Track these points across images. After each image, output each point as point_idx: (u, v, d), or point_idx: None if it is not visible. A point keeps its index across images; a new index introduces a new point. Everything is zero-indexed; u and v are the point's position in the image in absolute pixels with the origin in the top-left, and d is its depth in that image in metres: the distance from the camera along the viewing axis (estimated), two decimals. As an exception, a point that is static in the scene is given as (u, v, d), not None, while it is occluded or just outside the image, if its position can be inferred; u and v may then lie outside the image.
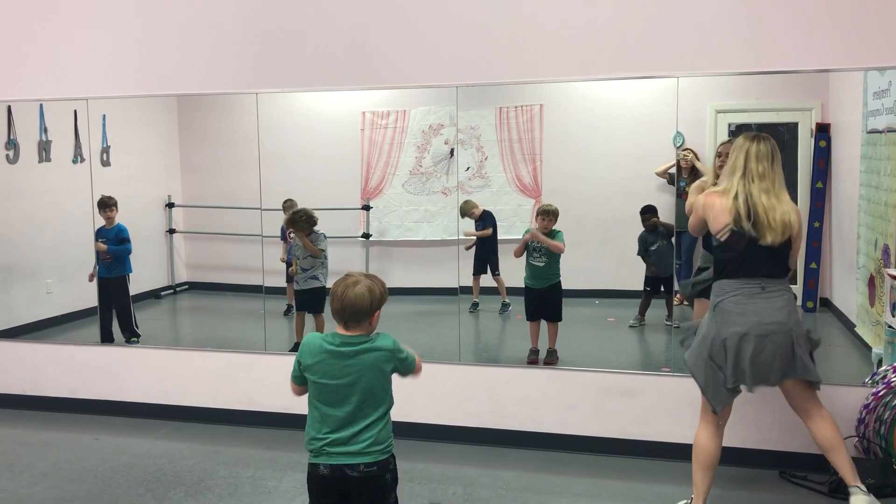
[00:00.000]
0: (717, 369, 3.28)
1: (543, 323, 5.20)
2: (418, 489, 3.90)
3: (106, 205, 5.61)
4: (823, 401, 3.86)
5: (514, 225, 6.37)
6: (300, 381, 2.63)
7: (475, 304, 6.31)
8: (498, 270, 6.20)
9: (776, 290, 3.27)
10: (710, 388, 3.32)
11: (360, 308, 2.51)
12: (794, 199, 6.01)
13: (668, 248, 5.67)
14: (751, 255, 3.25)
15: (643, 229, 5.79)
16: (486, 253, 6.17)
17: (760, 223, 3.22)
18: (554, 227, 5.22)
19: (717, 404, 3.31)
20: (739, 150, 3.33)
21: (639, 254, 5.78)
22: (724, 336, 3.24)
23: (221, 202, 6.89)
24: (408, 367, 2.69)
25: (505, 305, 6.27)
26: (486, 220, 6.17)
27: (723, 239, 3.28)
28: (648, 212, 5.80)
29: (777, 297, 3.26)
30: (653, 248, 5.74)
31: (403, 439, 4.47)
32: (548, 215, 5.22)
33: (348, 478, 2.54)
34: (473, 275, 6.21)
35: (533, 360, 5.09)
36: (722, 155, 3.74)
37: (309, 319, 5.61)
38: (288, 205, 6.03)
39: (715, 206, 3.28)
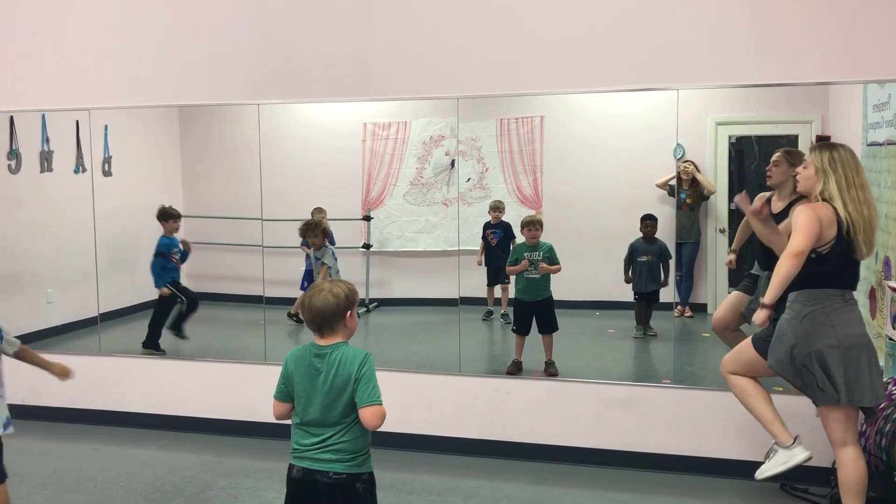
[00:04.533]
0: (810, 375, 3.20)
1: (528, 337, 5.19)
2: (418, 501, 3.89)
3: (172, 216, 5.81)
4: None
5: (516, 236, 6.38)
6: (284, 396, 2.66)
7: (489, 313, 6.31)
8: (509, 279, 6.19)
9: (854, 300, 3.24)
10: (810, 389, 3.24)
11: (328, 313, 2.55)
12: (795, 211, 6.07)
13: (657, 266, 5.61)
14: (843, 267, 3.20)
15: (640, 236, 5.77)
16: (499, 263, 6.15)
17: (859, 237, 3.16)
18: (542, 240, 5.20)
19: (820, 402, 3.24)
20: (834, 161, 3.21)
21: (624, 259, 5.74)
22: (816, 348, 3.16)
23: (223, 212, 6.90)
24: (364, 396, 2.51)
25: (506, 315, 6.28)
26: (505, 229, 6.15)
27: (825, 252, 3.17)
28: (648, 219, 5.77)
29: (856, 308, 3.24)
30: (641, 259, 5.68)
31: (404, 450, 4.49)
32: (534, 226, 5.19)
33: (319, 483, 2.56)
34: (488, 285, 6.22)
35: (512, 371, 5.07)
36: (781, 164, 3.78)
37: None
38: (172, 212, 6.06)
39: (824, 218, 3.14)
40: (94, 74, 4.89)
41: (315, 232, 5.88)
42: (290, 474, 2.64)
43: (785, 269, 3.08)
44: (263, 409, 4.74)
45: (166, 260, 5.86)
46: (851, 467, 3.24)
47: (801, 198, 3.52)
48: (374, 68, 4.47)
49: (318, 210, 6.39)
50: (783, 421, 3.46)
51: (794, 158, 3.86)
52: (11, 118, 5.60)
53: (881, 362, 4.29)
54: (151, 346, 5.70)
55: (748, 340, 3.54)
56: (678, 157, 5.73)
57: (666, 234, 5.91)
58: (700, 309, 6.31)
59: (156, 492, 4.00)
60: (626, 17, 4.11)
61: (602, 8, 4.13)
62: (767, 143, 6.38)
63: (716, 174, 6.23)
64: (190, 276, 7.24)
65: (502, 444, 4.42)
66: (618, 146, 6.11)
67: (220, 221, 6.96)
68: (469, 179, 6.60)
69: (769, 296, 3.12)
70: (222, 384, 4.89)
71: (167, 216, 5.89)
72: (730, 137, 6.21)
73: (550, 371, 5.02)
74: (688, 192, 6.14)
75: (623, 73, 4.13)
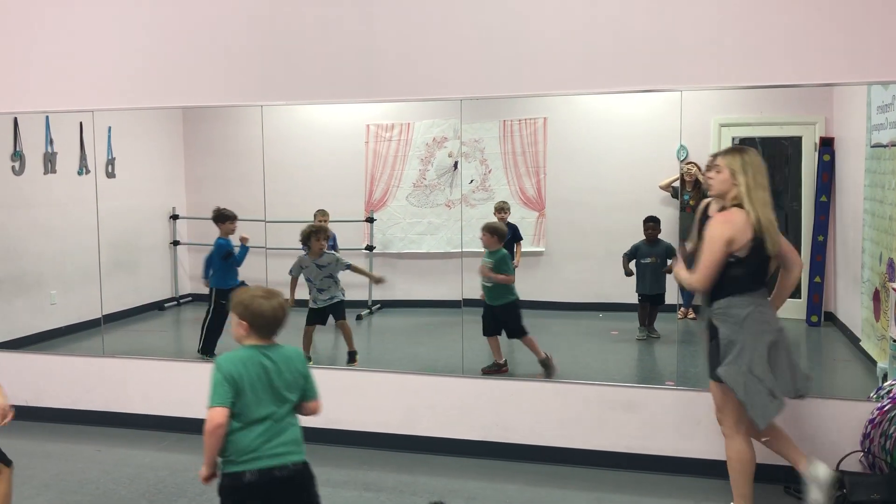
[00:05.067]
0: (758, 381, 3.25)
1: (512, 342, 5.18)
2: (420, 502, 3.88)
3: (228, 218, 5.72)
4: (826, 414, 3.87)
5: (523, 237, 6.37)
6: (230, 401, 2.63)
7: None
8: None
9: (767, 295, 3.42)
10: (756, 404, 3.26)
11: (283, 319, 2.74)
12: (798, 212, 6.08)
13: (661, 267, 5.59)
14: (760, 267, 3.32)
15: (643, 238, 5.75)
16: None
17: (767, 236, 3.26)
18: (501, 249, 5.22)
19: (764, 420, 3.27)
20: (746, 165, 3.30)
21: (624, 254, 5.70)
22: (763, 346, 3.27)
23: (226, 214, 6.90)
24: (313, 390, 2.75)
25: None
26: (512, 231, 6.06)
27: (742, 256, 3.26)
28: (651, 220, 5.75)
29: (770, 306, 3.42)
30: (645, 261, 5.65)
31: (406, 452, 4.48)
32: (486, 232, 5.21)
33: (275, 479, 2.60)
34: None
35: (490, 370, 5.08)
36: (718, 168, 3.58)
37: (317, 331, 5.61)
38: (228, 213, 5.96)
39: (738, 223, 3.24)
40: (98, 76, 4.89)
41: (317, 237, 5.57)
42: (239, 482, 2.59)
43: (688, 285, 3.39)
44: (266, 410, 4.75)
45: (226, 262, 5.74)
46: (736, 448, 3.39)
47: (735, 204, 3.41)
48: (377, 70, 4.47)
49: (322, 212, 6.35)
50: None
51: (734, 158, 3.77)
52: (15, 120, 5.61)
53: (885, 364, 4.28)
54: (208, 352, 5.61)
55: (711, 384, 3.45)
56: (681, 158, 5.72)
57: (669, 235, 5.90)
58: (703, 311, 6.30)
59: (158, 493, 4.00)
60: (630, 18, 4.10)
61: (605, 9, 4.13)
62: (771, 145, 6.37)
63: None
64: (193, 277, 7.26)
65: (505, 445, 4.42)
66: (621, 148, 6.11)
67: (223, 223, 6.96)
68: (472, 181, 6.60)
69: (683, 273, 3.38)
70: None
71: (223, 217, 5.76)
72: (733, 139, 6.20)
73: (545, 371, 5.01)
74: (691, 193, 6.14)
75: (626, 74, 4.12)
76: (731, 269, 3.27)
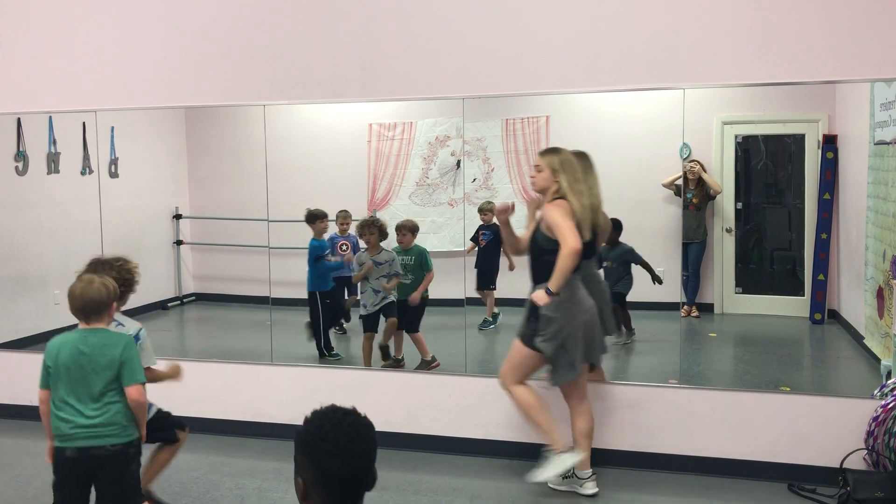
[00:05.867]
0: (566, 353, 3.72)
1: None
2: (424, 501, 3.89)
3: (318, 217, 5.70)
4: (830, 412, 3.86)
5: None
6: (46, 383, 2.92)
7: (495, 316, 6.28)
8: (494, 285, 6.13)
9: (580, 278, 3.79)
10: (559, 372, 3.77)
11: (99, 301, 2.87)
12: (802, 210, 6.08)
13: (617, 271, 5.47)
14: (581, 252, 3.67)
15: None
16: (485, 266, 6.10)
17: (584, 224, 3.70)
18: (416, 244, 5.33)
19: (557, 383, 3.83)
20: (569, 162, 3.79)
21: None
22: (578, 323, 3.71)
23: (228, 213, 6.91)
24: (127, 377, 2.88)
25: (486, 322, 6.18)
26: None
27: None
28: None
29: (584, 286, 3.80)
30: (605, 265, 5.52)
31: (409, 450, 4.48)
32: (403, 230, 5.33)
33: (94, 458, 2.85)
34: (476, 289, 6.16)
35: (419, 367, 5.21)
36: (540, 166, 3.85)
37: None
38: (342, 215, 5.96)
39: (567, 210, 3.67)
40: (101, 76, 4.90)
41: (371, 230, 5.36)
42: (61, 458, 2.86)
43: (569, 264, 3.56)
44: (270, 409, 4.76)
45: (319, 264, 5.71)
46: (589, 416, 3.90)
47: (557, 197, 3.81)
48: (379, 69, 4.47)
49: (344, 214, 6.12)
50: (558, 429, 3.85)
51: (554, 157, 4.01)
52: (18, 120, 5.62)
53: (888, 362, 4.27)
54: (329, 350, 5.67)
55: (517, 343, 3.87)
56: (684, 156, 5.72)
57: (672, 233, 5.90)
58: (706, 309, 6.30)
59: (162, 493, 4.00)
60: (632, 16, 4.10)
61: (607, 8, 4.13)
62: (774, 143, 6.37)
63: (722, 174, 6.22)
64: (196, 276, 7.27)
65: (508, 444, 4.42)
66: (623, 146, 6.09)
67: (226, 222, 6.98)
68: (475, 180, 6.60)
69: (555, 285, 3.59)
70: (228, 385, 4.89)
71: (312, 217, 5.73)
72: (736, 137, 6.20)
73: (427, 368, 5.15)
74: (694, 191, 6.13)
75: (628, 72, 4.12)
76: (553, 254, 3.62)
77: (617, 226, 5.50)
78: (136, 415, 2.94)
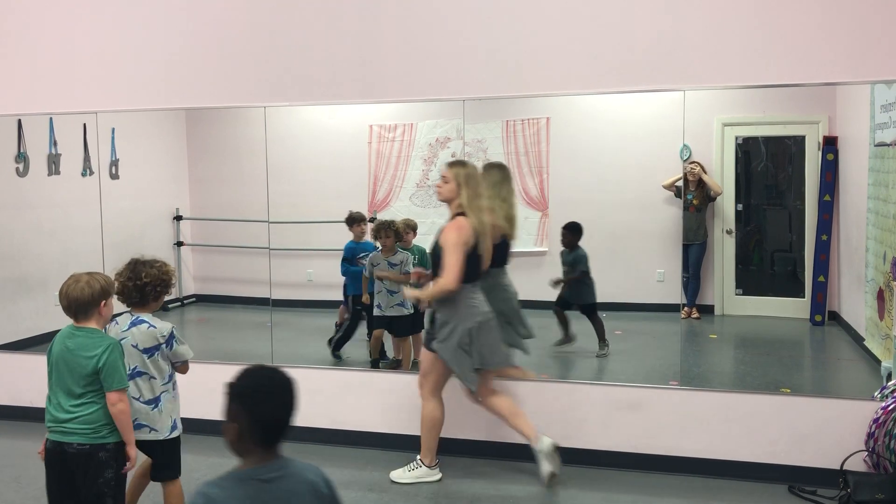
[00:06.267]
0: (465, 355, 3.89)
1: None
2: (424, 503, 3.89)
3: (356, 220, 5.68)
4: (830, 414, 3.86)
5: (521, 238, 6.36)
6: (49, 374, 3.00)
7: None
8: None
9: (478, 287, 3.99)
10: (464, 373, 3.93)
11: (83, 302, 2.89)
12: (802, 211, 6.08)
13: (577, 282, 5.43)
14: (475, 264, 3.91)
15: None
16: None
17: (481, 239, 3.90)
18: (416, 244, 5.31)
19: (472, 384, 3.96)
20: (473, 178, 3.94)
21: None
22: (469, 326, 3.88)
23: (229, 215, 6.91)
24: (108, 383, 2.88)
25: None
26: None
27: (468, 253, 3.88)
28: (564, 228, 5.52)
29: (481, 292, 3.99)
30: (564, 269, 5.50)
31: (410, 452, 4.48)
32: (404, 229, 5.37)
33: (66, 453, 2.89)
34: None
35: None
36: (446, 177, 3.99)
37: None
38: (358, 216, 5.87)
39: (466, 228, 3.85)
40: (102, 78, 4.90)
41: (387, 233, 5.35)
42: (46, 446, 2.95)
43: (440, 294, 3.86)
44: (270, 411, 4.75)
45: (353, 266, 5.67)
46: (505, 397, 4.12)
47: (455, 217, 3.97)
48: (380, 70, 4.47)
49: (358, 214, 6.10)
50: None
51: (460, 169, 4.10)
52: (19, 121, 5.63)
53: (889, 364, 4.27)
54: (336, 350, 5.69)
55: (424, 352, 4.09)
56: (685, 158, 5.72)
57: (672, 235, 5.90)
58: (707, 310, 6.30)
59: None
60: (632, 18, 4.10)
61: (608, 9, 4.13)
62: (774, 144, 6.37)
63: (722, 175, 6.22)
64: (196, 278, 7.27)
65: (509, 446, 4.41)
66: (624, 147, 6.10)
67: (226, 224, 6.98)
68: (475, 181, 6.59)
69: (428, 296, 3.94)
70: (229, 386, 4.89)
71: (351, 221, 5.73)
72: (736, 138, 6.20)
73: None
74: (694, 193, 6.13)
75: (629, 74, 4.12)
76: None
77: (575, 229, 5.47)
78: (117, 422, 2.91)
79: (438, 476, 4.13)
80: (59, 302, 2.94)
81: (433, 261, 4.01)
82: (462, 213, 3.89)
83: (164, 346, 3.20)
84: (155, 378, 3.21)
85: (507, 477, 4.20)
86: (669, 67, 4.06)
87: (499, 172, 4.35)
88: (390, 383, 4.69)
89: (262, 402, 1.86)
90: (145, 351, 3.16)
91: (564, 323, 5.56)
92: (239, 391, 1.87)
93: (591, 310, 5.48)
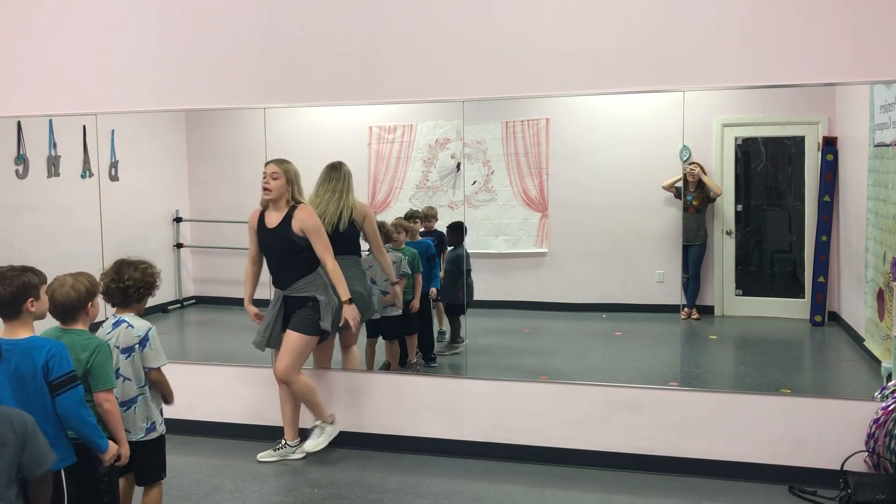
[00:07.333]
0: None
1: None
2: (425, 504, 3.89)
3: (411, 217, 5.64)
4: (831, 415, 3.86)
5: (521, 239, 6.37)
6: None
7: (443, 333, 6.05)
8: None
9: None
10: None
11: (69, 305, 2.89)
12: (802, 211, 6.08)
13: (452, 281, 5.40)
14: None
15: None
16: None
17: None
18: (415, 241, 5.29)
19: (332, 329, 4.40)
20: (297, 174, 4.42)
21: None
22: (339, 302, 4.32)
23: (229, 216, 6.90)
24: (96, 383, 2.87)
25: (441, 333, 5.90)
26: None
27: (308, 241, 4.28)
28: (448, 227, 5.58)
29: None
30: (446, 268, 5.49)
31: (410, 453, 4.49)
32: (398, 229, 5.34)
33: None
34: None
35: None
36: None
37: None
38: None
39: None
40: (101, 79, 4.91)
41: (399, 230, 5.34)
42: None
43: (337, 267, 4.29)
44: (270, 412, 4.76)
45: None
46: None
47: (294, 207, 4.34)
48: (379, 71, 4.48)
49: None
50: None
51: (289, 166, 4.43)
52: (19, 123, 5.63)
53: (889, 364, 4.27)
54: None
55: (297, 336, 4.32)
56: (684, 158, 5.72)
57: (672, 236, 5.90)
58: (707, 311, 6.30)
59: (164, 496, 4.00)
60: (632, 18, 4.10)
61: (607, 10, 4.13)
62: (774, 145, 6.37)
63: (722, 176, 6.22)
64: (196, 279, 7.27)
65: (508, 446, 4.42)
66: (624, 148, 6.10)
67: (226, 225, 6.97)
68: (475, 182, 6.60)
69: (344, 294, 4.29)
70: (229, 388, 4.89)
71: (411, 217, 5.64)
72: (736, 139, 6.20)
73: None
74: (694, 194, 6.13)
75: (629, 74, 4.12)
76: (306, 251, 4.28)
77: (457, 228, 5.50)
78: (106, 422, 2.89)
79: (338, 427, 4.53)
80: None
81: (287, 251, 4.31)
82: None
83: (137, 346, 3.16)
84: (130, 380, 3.17)
85: (508, 477, 4.20)
86: (669, 68, 4.07)
87: (330, 172, 4.71)
88: (389, 385, 4.69)
89: None
90: (123, 351, 3.15)
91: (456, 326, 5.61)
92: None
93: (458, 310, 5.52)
